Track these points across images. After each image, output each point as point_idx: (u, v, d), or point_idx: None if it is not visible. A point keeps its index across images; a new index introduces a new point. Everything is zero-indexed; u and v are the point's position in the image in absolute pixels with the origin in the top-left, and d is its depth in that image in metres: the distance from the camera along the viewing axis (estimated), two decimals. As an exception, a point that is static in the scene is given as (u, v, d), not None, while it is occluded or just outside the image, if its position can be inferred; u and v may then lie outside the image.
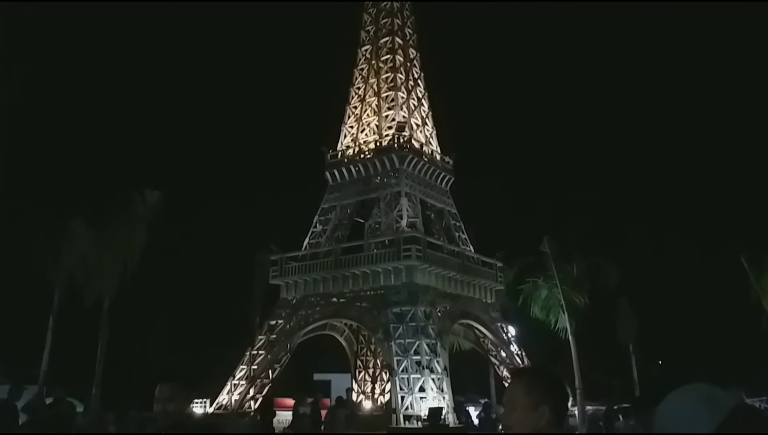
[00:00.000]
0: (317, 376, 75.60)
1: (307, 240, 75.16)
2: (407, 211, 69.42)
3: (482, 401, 42.65)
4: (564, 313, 49.66)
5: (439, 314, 65.01)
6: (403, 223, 68.73)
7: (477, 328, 70.53)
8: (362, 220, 76.84)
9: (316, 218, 75.32)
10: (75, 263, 37.76)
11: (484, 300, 72.06)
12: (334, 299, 68.43)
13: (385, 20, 78.73)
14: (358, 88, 78.17)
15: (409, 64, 78.67)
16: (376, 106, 76.41)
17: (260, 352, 67.62)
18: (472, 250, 73.53)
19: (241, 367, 67.52)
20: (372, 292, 65.87)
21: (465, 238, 75.11)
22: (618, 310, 57.43)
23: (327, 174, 75.60)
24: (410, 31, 79.75)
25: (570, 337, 49.32)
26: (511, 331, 70.97)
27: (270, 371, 68.06)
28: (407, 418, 57.53)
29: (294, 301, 70.75)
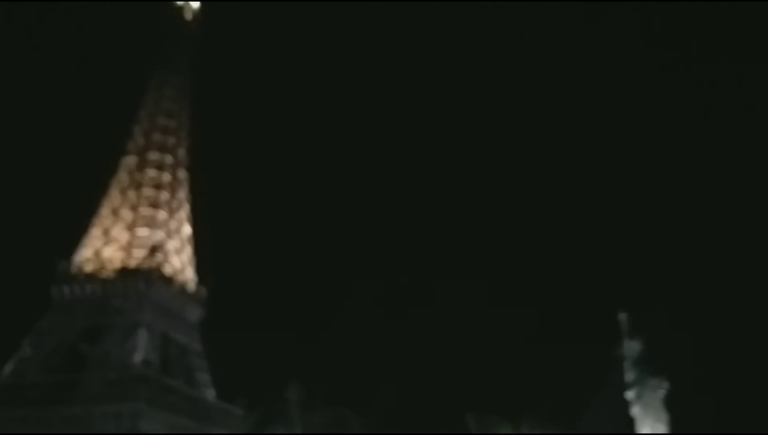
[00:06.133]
0: None
1: (11, 365, 61.78)
2: (144, 344, 61.13)
3: None
4: (302, 465, 45.05)
5: (162, 470, 55.45)
6: (137, 358, 60.03)
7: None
8: (88, 349, 65.51)
9: (27, 340, 62.66)
10: None
11: (217, 453, 63.81)
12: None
13: (158, 136, 74.37)
14: (112, 199, 70.70)
15: (176, 184, 74.16)
16: (131, 222, 69.28)
17: None
18: (214, 393, 66.39)
19: None
20: (85, 442, 54.22)
21: (208, 379, 67.80)
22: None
23: (53, 288, 64.56)
24: (184, 151, 76.22)
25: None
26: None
27: None
28: None
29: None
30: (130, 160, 72.71)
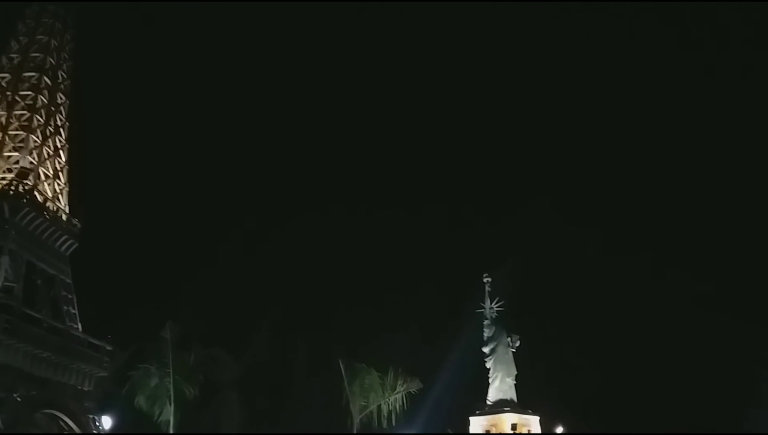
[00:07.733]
0: None
1: None
2: (6, 272, 58.20)
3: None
4: (171, 404, 46.11)
5: (18, 400, 54.12)
6: (-4, 285, 57.27)
7: (62, 420, 60.42)
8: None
9: None
10: None
11: (80, 387, 62.76)
12: None
13: (35, 54, 69.02)
14: (-20, 117, 65.13)
15: (53, 108, 69.66)
16: (-1, 142, 64.47)
17: None
18: (80, 328, 64.77)
19: None
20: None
21: (75, 314, 65.85)
22: (222, 403, 55.69)
23: None
24: (64, 74, 71.43)
25: (171, 430, 45.67)
26: (105, 422, 62.76)
27: None
28: None
29: None
30: (2, 77, 67.05)
